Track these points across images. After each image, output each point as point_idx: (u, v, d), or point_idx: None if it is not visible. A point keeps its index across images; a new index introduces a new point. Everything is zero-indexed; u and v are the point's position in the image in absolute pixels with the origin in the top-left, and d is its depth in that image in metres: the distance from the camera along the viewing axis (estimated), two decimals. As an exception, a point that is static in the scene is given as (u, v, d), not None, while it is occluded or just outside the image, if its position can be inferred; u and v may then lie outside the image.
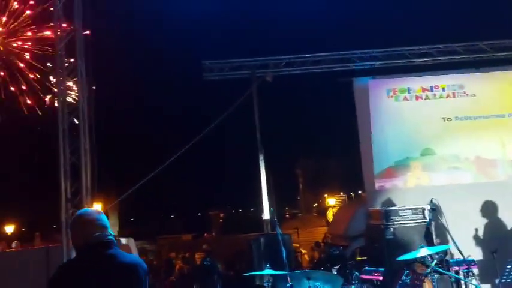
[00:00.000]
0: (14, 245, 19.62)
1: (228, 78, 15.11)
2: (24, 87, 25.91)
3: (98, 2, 11.80)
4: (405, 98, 12.59)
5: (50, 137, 11.22)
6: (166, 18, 27.16)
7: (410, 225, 9.56)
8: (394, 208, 9.94)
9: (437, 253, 7.76)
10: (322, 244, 17.53)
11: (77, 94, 11.39)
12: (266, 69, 15.09)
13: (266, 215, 14.68)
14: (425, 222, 9.52)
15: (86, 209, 3.52)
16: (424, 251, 7.21)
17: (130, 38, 29.84)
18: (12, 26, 24.41)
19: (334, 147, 38.13)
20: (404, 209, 9.71)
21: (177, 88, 29.37)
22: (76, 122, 10.88)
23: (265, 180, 14.83)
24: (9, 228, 28.04)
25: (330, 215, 30.56)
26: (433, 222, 9.48)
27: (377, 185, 11.94)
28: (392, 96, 12.57)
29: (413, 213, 9.60)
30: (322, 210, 41.25)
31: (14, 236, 26.91)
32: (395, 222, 9.53)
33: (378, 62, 14.92)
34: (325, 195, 43.01)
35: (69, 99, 11.52)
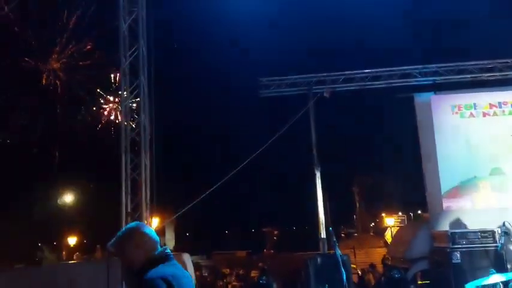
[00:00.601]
0: (75, 256, 20.38)
1: (285, 94, 15.08)
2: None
3: (160, 23, 12.15)
4: (471, 115, 12.01)
5: (113, 152, 11.56)
6: (222, 36, 27.71)
7: (479, 249, 9.00)
8: (461, 230, 9.42)
9: (510, 280, 7.24)
10: (378, 266, 16.91)
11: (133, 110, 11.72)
12: (323, 85, 14.93)
13: (322, 233, 14.36)
14: (496, 246, 8.94)
15: (139, 222, 3.50)
16: (495, 278, 6.74)
17: (189, 55, 30.61)
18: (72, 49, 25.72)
19: (392, 165, 37.05)
20: (472, 232, 9.17)
21: (233, 105, 29.75)
22: (137, 139, 11.15)
23: (321, 197, 14.56)
24: (72, 240, 29.22)
25: (388, 236, 29.55)
26: (505, 247, 8.87)
27: (443, 205, 11.37)
28: (457, 113, 12.04)
29: (483, 237, 9.04)
30: (380, 231, 40.03)
31: (76, 247, 27.99)
32: (463, 246, 9.01)
33: (440, 77, 14.37)
34: (383, 215, 41.76)
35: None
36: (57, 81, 26.55)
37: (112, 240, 2.95)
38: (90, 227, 27.20)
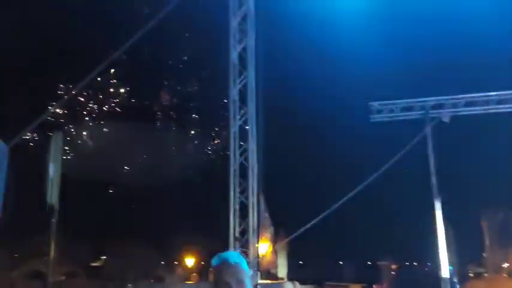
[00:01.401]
0: (192, 277, 21.25)
1: (398, 119, 14.40)
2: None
3: (268, 50, 12.39)
4: None
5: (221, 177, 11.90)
6: (331, 59, 27.48)
7: None
8: None
9: None
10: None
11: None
12: (441, 109, 13.99)
13: (444, 272, 13.19)
14: None
15: (230, 255, 3.31)
16: None
17: (297, 80, 30.84)
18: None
19: (528, 198, 33.14)
20: None
21: (342, 131, 29.12)
22: (245, 163, 11.37)
23: (442, 231, 13.45)
24: (190, 261, 30.48)
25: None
26: None
27: None
28: None
29: None
30: (515, 272, 35.82)
31: (193, 269, 29.16)
32: None
33: None
34: (518, 254, 37.36)
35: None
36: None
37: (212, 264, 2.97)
38: (205, 249, 28.28)
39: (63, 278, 25.02)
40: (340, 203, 14.19)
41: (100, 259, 31.88)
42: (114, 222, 27.72)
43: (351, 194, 14.36)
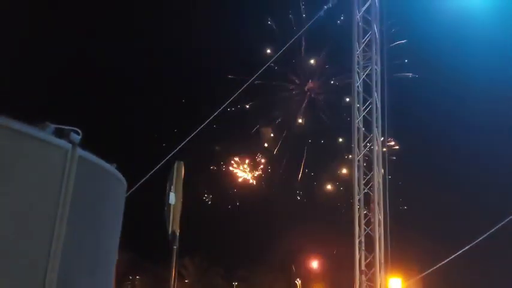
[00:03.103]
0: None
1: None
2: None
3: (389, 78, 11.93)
4: None
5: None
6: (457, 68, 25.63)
7: None
8: None
9: None
10: None
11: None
12: None
13: None
14: None
15: None
16: None
17: (420, 99, 29.23)
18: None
19: None
20: None
21: (484, 157, 26.56)
22: (370, 193, 10.94)
23: None
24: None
25: None
26: None
27: None
28: None
29: None
30: None
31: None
32: None
33: None
34: None
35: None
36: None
37: None
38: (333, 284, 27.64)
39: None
40: (480, 238, 12.95)
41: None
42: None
43: (492, 230, 13.04)
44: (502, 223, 12.99)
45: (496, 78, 24.86)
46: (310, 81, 32.21)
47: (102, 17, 26.45)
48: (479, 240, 12.91)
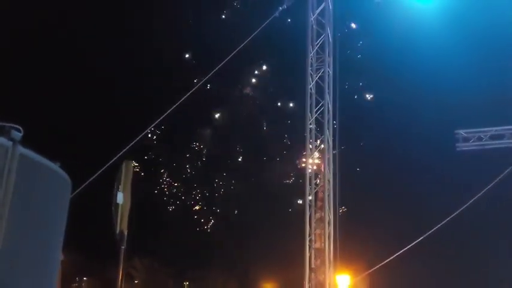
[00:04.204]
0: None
1: (488, 148, 13.41)
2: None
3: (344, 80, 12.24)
4: None
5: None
6: (415, 85, 26.60)
7: None
8: None
9: None
10: None
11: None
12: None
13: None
14: None
15: None
16: None
17: (379, 105, 30.11)
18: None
19: None
20: None
21: (427, 160, 27.65)
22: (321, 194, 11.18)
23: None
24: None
25: None
26: None
27: None
28: None
29: None
30: None
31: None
32: None
33: None
34: None
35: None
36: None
37: None
38: (282, 279, 27.96)
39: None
40: (424, 236, 13.50)
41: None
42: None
43: (435, 228, 13.61)
44: (444, 221, 13.58)
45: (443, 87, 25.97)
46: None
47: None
48: (422, 238, 13.43)
